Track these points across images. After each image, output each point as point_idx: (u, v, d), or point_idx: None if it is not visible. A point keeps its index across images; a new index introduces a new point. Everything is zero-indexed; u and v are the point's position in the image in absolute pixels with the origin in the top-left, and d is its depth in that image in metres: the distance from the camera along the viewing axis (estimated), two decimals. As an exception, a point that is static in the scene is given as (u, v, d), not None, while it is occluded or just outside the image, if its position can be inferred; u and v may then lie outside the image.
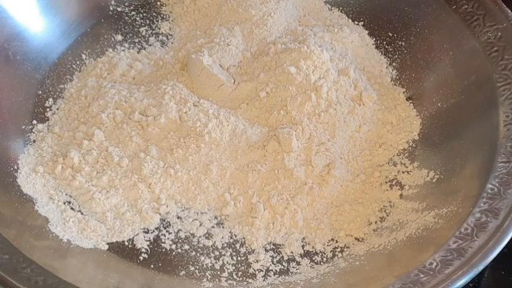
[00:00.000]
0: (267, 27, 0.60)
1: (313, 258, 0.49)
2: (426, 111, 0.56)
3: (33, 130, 0.54)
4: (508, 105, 0.50)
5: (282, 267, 0.48)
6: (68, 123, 0.55)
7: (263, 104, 0.55)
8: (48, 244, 0.47)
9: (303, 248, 0.49)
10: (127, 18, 0.63)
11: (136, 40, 0.62)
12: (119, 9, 0.63)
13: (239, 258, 0.49)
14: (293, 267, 0.48)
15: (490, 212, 0.44)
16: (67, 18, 0.60)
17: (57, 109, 0.56)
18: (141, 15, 0.64)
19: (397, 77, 0.59)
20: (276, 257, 0.49)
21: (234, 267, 0.48)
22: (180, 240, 0.49)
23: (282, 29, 0.61)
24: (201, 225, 0.50)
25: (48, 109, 0.56)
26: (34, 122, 0.55)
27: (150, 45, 0.62)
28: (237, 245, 0.49)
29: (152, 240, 0.49)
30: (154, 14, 0.64)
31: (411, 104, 0.57)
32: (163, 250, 0.49)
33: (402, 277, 0.42)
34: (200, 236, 0.50)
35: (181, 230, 0.50)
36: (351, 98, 0.56)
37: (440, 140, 0.54)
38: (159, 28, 0.63)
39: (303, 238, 0.50)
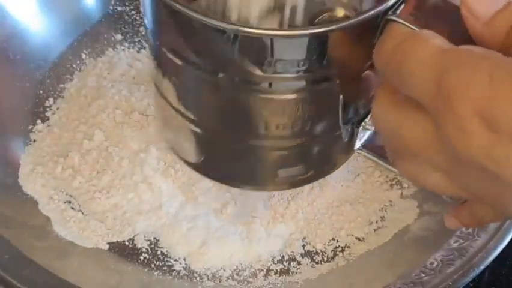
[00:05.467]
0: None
1: (314, 258, 0.49)
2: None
3: (33, 130, 0.54)
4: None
5: (283, 266, 0.48)
6: (68, 123, 0.55)
7: (263, 103, 0.55)
8: (49, 244, 0.47)
9: (303, 248, 0.49)
10: (127, 17, 0.63)
11: (136, 39, 0.62)
12: (119, 8, 0.63)
13: (240, 258, 0.49)
14: (294, 266, 0.48)
15: (491, 211, 0.44)
16: (66, 18, 0.60)
17: (57, 109, 0.56)
18: (141, 14, 0.63)
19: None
20: (276, 256, 0.49)
21: (234, 267, 0.48)
22: (181, 240, 0.49)
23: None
24: (201, 224, 0.50)
25: (48, 109, 0.56)
26: (34, 121, 0.55)
27: (150, 44, 0.62)
28: (238, 245, 0.49)
29: (152, 240, 0.49)
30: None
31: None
32: (164, 250, 0.49)
33: (403, 276, 0.42)
34: (201, 236, 0.50)
35: (181, 229, 0.50)
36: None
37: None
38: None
39: (304, 238, 0.50)
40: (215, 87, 0.34)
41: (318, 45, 0.31)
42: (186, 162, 0.43)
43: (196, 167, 0.43)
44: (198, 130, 0.39)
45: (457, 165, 0.26)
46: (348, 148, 0.38)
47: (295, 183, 0.42)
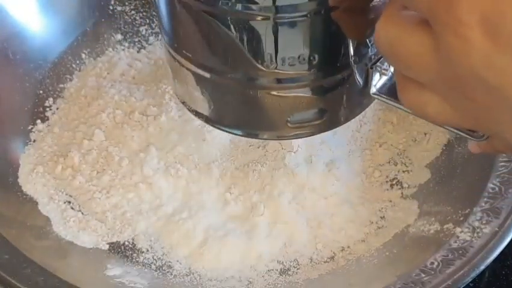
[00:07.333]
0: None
1: (314, 258, 0.49)
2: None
3: (33, 130, 0.54)
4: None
5: (283, 266, 0.48)
6: (68, 123, 0.55)
7: (263, 103, 0.55)
8: (49, 244, 0.47)
9: (303, 248, 0.49)
10: (126, 17, 0.63)
11: (136, 39, 0.62)
12: (119, 8, 0.63)
13: (240, 258, 0.49)
14: (294, 266, 0.48)
15: (491, 211, 0.44)
16: (66, 18, 0.60)
17: (57, 109, 0.56)
18: (141, 14, 0.63)
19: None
20: (276, 256, 0.48)
21: (234, 267, 0.48)
22: (181, 240, 0.49)
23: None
24: (201, 224, 0.50)
25: (48, 109, 0.56)
26: (34, 121, 0.55)
27: (150, 44, 0.62)
28: (238, 245, 0.49)
29: (153, 240, 0.49)
30: (154, 13, 0.64)
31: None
32: (164, 250, 0.49)
33: (403, 277, 0.42)
34: (201, 236, 0.50)
35: (182, 229, 0.50)
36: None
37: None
38: (159, 27, 0.63)
39: (304, 238, 0.49)
40: (216, 21, 0.33)
41: None
42: (198, 114, 0.42)
43: (207, 118, 0.41)
44: (205, 75, 0.37)
45: (455, 85, 0.24)
46: (364, 93, 0.37)
47: (309, 129, 0.40)
